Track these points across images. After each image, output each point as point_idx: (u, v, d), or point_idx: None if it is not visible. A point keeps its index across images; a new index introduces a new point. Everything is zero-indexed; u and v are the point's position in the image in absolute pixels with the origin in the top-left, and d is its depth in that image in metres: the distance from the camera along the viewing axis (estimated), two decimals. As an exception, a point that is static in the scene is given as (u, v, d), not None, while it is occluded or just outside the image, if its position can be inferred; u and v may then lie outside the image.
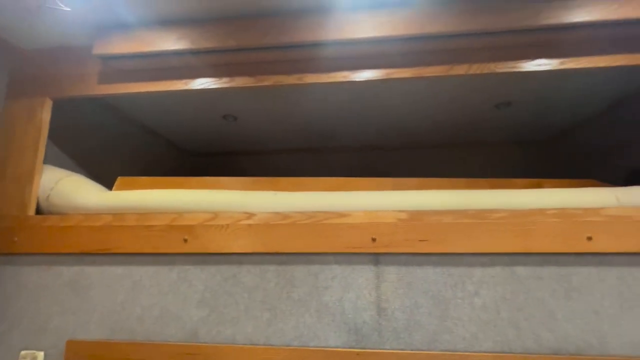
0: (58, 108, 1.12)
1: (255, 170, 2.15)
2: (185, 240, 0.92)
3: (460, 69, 0.97)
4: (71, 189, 1.03)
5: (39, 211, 1.04)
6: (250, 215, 0.93)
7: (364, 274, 0.87)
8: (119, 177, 1.11)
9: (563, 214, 0.85)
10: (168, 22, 0.98)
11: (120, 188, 1.09)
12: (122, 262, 0.94)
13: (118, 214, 0.97)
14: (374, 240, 0.86)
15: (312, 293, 0.87)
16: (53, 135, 1.12)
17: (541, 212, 0.86)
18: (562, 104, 1.57)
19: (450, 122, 1.73)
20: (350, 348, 0.83)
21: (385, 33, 0.92)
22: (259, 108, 1.62)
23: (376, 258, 0.87)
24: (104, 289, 0.93)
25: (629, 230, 0.82)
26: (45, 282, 0.95)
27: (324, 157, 2.08)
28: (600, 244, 0.81)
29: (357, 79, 0.99)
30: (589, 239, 0.82)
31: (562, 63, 0.95)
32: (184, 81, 1.06)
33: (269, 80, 1.02)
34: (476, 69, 0.97)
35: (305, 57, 0.99)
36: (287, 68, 1.01)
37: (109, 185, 1.13)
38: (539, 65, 0.96)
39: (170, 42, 0.98)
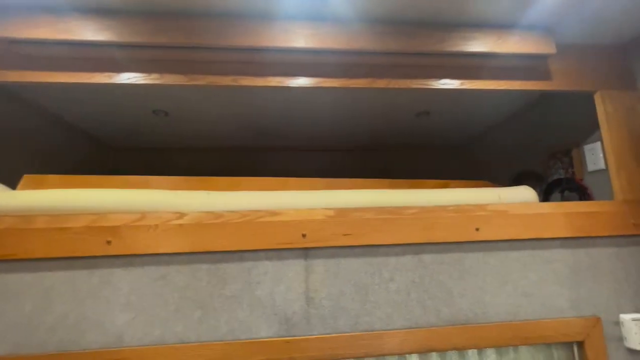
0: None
1: (189, 167, 2.07)
2: (109, 242, 0.87)
3: (381, 83, 1.10)
4: (-39, 188, 0.89)
5: None
6: (181, 215, 0.92)
7: (294, 267, 0.93)
8: (24, 175, 1.00)
9: (459, 209, 1.03)
10: (88, 11, 0.92)
11: (26, 187, 0.98)
12: (30, 268, 0.85)
13: (25, 215, 0.87)
14: (304, 236, 0.93)
15: (245, 288, 0.90)
16: None
17: (443, 208, 1.02)
18: (471, 114, 1.84)
19: (377, 128, 1.90)
20: (280, 337, 0.88)
21: (314, 45, 1.00)
22: (192, 104, 1.57)
23: (306, 252, 0.94)
24: (7, 299, 0.83)
25: (505, 222, 1.02)
26: None
27: (259, 156, 2.10)
28: (485, 234, 1.01)
29: (291, 85, 1.05)
30: (477, 229, 1.00)
31: (461, 84, 1.14)
32: (106, 74, 1.00)
33: (202, 80, 1.02)
34: (395, 84, 1.10)
35: (240, 60, 1.02)
36: (222, 69, 1.03)
37: (12, 184, 1.00)
38: (444, 84, 1.13)
39: (90, 32, 0.92)
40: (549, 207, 1.08)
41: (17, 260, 0.85)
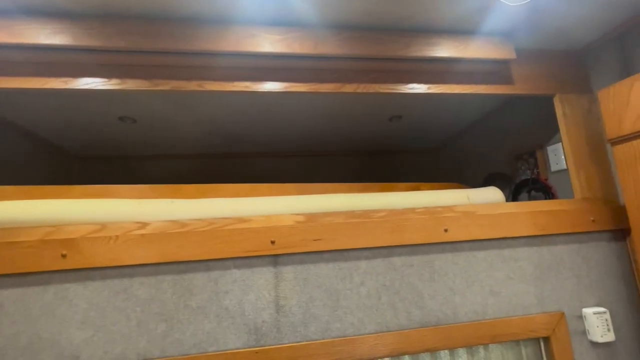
0: None
1: (159, 175, 2.01)
2: (64, 256, 0.82)
3: (350, 88, 1.11)
4: None
5: None
6: (143, 224, 0.88)
7: (263, 275, 0.91)
8: (-29, 187, 0.94)
9: (428, 211, 1.04)
10: (39, 13, 0.88)
11: (-26, 200, 0.91)
12: (-25, 287, 0.79)
13: (-30, 230, 0.82)
14: (272, 242, 0.92)
15: (212, 299, 0.88)
16: None
17: (412, 210, 1.03)
18: (442, 118, 1.88)
19: (351, 133, 1.91)
20: (249, 348, 0.86)
21: (281, 49, 0.99)
22: (160, 109, 1.53)
23: (275, 259, 0.93)
24: (-51, 321, 0.77)
25: (473, 222, 1.05)
26: None
27: (230, 162, 2.07)
28: (453, 234, 1.02)
29: (259, 90, 1.04)
30: (446, 230, 1.02)
31: (428, 88, 1.16)
32: (62, 79, 0.95)
33: (166, 85, 0.99)
34: (363, 88, 1.11)
35: (206, 65, 1.00)
36: (187, 74, 1.01)
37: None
38: (412, 88, 1.15)
39: (44, 36, 0.88)
40: (514, 206, 1.11)
41: (-39, 278, 0.79)
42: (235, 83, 1.03)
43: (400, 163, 2.44)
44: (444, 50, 1.12)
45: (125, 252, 0.85)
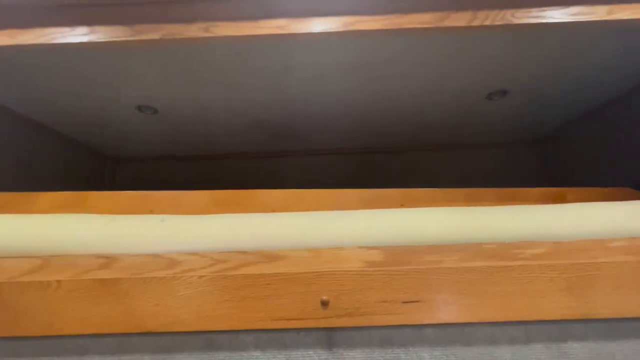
0: None
1: (200, 180, 1.72)
2: None
3: (460, 19, 0.62)
4: None
5: None
6: (106, 260, 0.52)
7: (307, 365, 0.48)
8: None
9: (634, 246, 0.52)
10: None
11: None
12: None
13: None
14: (324, 304, 0.48)
15: (213, 406, 0.47)
16: None
17: (601, 244, 0.52)
18: (573, 90, 1.28)
19: (436, 118, 1.41)
20: None
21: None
22: (185, 96, 1.21)
23: (329, 335, 0.49)
24: None
25: None
26: None
27: (277, 163, 1.69)
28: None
29: (300, 31, 0.62)
30: (685, 289, 0.49)
31: (609, 12, 0.62)
32: (33, 31, 0.64)
33: (155, 32, 0.62)
34: (484, 19, 0.62)
35: (213, -7, 0.61)
36: (185, 13, 0.62)
37: None
38: (575, 15, 0.63)
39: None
40: None
41: None
42: (262, 22, 0.62)
43: (499, 157, 1.81)
44: None
45: (69, 312, 0.49)
